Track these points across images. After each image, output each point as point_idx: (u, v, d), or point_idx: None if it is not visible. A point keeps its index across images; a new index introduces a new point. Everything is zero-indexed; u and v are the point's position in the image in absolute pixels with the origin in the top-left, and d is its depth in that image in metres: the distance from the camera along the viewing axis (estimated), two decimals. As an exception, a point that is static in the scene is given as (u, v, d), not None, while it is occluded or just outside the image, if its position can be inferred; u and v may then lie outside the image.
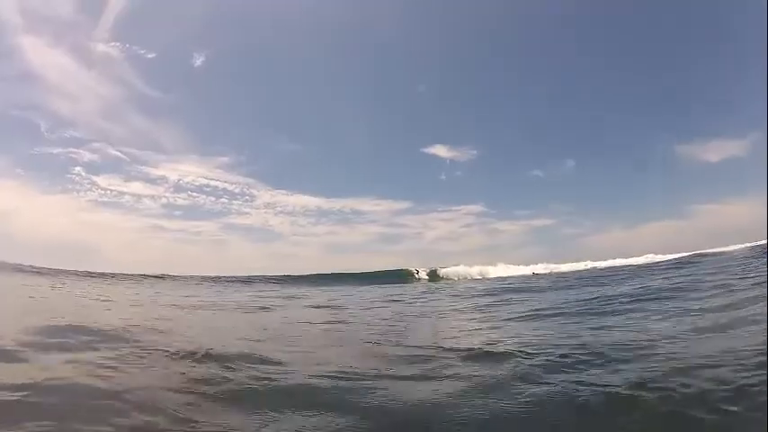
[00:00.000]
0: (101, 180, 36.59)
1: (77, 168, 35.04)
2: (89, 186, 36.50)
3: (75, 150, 35.68)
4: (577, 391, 2.71)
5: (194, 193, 39.73)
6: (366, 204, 43.12)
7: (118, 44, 36.30)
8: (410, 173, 55.43)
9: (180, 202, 39.63)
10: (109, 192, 36.25)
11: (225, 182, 41.28)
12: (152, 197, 38.40)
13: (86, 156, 36.14)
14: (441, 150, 49.60)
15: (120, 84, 40.35)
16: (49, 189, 36.60)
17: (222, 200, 41.10)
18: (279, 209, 43.57)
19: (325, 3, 49.21)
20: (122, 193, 37.81)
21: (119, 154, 37.59)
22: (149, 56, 38.37)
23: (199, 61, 42.89)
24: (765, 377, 2.49)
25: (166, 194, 38.23)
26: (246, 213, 41.35)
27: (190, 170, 40.53)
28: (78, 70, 37.47)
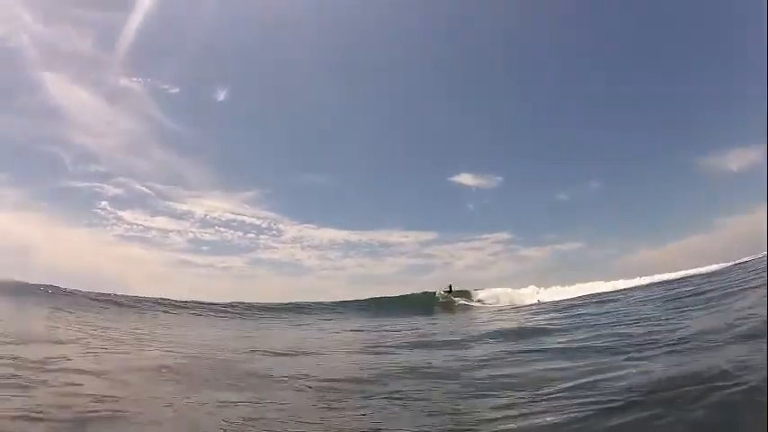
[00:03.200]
0: (126, 215, 37.44)
1: (103, 203, 35.88)
2: (115, 221, 37.26)
3: (100, 185, 36.52)
4: None
5: (221, 228, 40.41)
6: (394, 236, 43.13)
7: (140, 79, 37.27)
8: (437, 203, 55.44)
9: (207, 237, 40.31)
10: (135, 226, 37.00)
11: (252, 216, 41.88)
12: (178, 232, 39.15)
13: (111, 190, 37.11)
14: (467, 179, 49.49)
15: (144, 118, 41.74)
16: (75, 222, 37.41)
17: (249, 234, 41.56)
18: (306, 243, 43.74)
19: (346, 37, 51.20)
20: (148, 228, 38.65)
21: (144, 189, 38.60)
22: (172, 91, 39.73)
23: (222, 96, 44.46)
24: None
25: (193, 229, 38.97)
26: (274, 248, 41.71)
27: (216, 205, 41.34)
28: (101, 105, 38.20)
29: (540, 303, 17.87)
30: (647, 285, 16.85)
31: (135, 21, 33.75)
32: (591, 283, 23.19)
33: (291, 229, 41.68)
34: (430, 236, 43.36)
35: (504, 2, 48.54)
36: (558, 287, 23.61)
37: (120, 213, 35.88)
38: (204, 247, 39.93)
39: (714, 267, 19.58)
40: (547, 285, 24.31)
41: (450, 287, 24.26)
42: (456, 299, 22.98)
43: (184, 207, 39.42)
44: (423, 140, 57.46)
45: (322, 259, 41.40)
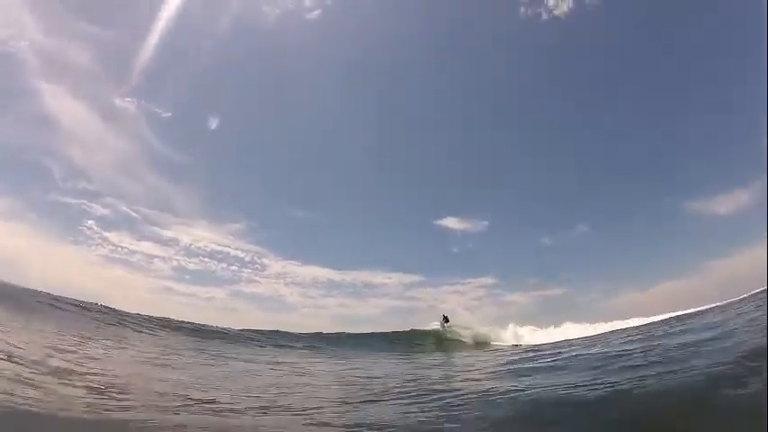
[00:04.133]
0: (112, 236, 37.01)
1: (90, 222, 35.56)
2: (100, 241, 36.76)
3: (88, 204, 36.32)
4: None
5: (205, 258, 39.98)
6: (378, 277, 42.73)
7: (134, 100, 37.83)
8: (422, 245, 55.39)
9: (191, 266, 39.84)
10: (120, 249, 36.53)
11: (236, 249, 41.51)
12: (163, 258, 38.62)
13: (99, 210, 36.82)
14: (452, 222, 49.81)
15: (136, 140, 41.68)
16: (61, 238, 36.61)
17: (233, 267, 41.10)
18: (289, 279, 43.27)
19: (338, 73, 52.65)
20: (133, 252, 38.06)
21: (131, 212, 38.33)
22: (165, 114, 40.19)
23: (214, 124, 45.01)
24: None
25: (177, 257, 38.53)
26: (257, 282, 41.29)
27: (202, 234, 41.00)
28: (95, 121, 38.16)
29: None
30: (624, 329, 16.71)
31: (135, 41, 34.45)
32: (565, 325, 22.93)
33: (275, 265, 41.31)
34: (414, 278, 42.98)
35: (491, 47, 51.09)
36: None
37: (106, 234, 35.57)
38: (187, 276, 39.44)
39: (691, 310, 20.04)
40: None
41: (446, 318, 23.20)
42: (451, 330, 21.95)
43: (170, 234, 39.15)
44: (411, 183, 58.10)
45: (305, 297, 40.89)
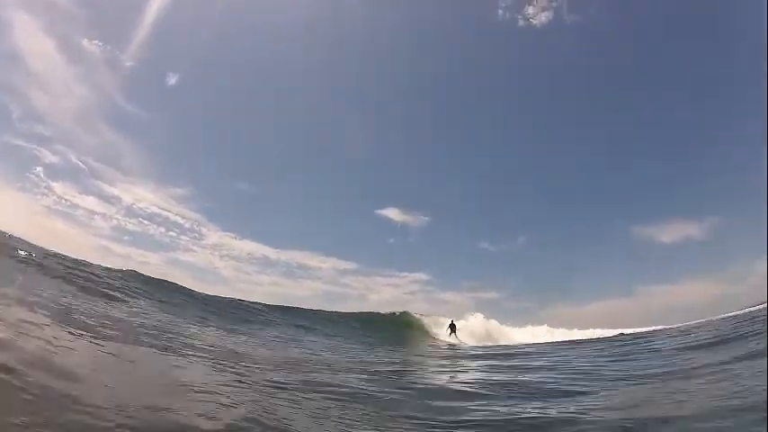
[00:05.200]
0: (57, 187, 34.22)
1: (38, 169, 32.81)
2: (46, 191, 34.00)
3: (39, 149, 33.48)
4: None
5: (145, 221, 37.75)
6: (313, 260, 42.27)
7: (102, 44, 35.51)
8: (361, 233, 54.99)
9: (130, 227, 37.50)
10: (63, 201, 33.83)
11: (177, 214, 39.49)
12: (103, 216, 36.11)
13: (48, 157, 33.85)
14: (394, 213, 49.79)
15: (96, 87, 38.68)
16: (9, 182, 34.61)
17: (171, 233, 39.18)
18: (225, 251, 41.81)
19: (305, 54, 51.23)
20: (76, 206, 35.33)
21: (79, 162, 35.41)
22: (128, 63, 37.48)
23: (173, 80, 42.22)
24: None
25: (118, 216, 36.16)
26: (193, 251, 39.63)
27: (145, 195, 38.77)
28: (61, 63, 35.73)
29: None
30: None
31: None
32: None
33: (213, 235, 39.88)
34: (349, 265, 43.19)
35: (448, 49, 51.59)
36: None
37: (53, 184, 33.15)
38: (126, 237, 37.14)
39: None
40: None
41: (453, 325, 21.20)
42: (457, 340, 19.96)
43: (114, 191, 36.57)
44: (357, 169, 57.56)
45: (239, 271, 39.87)
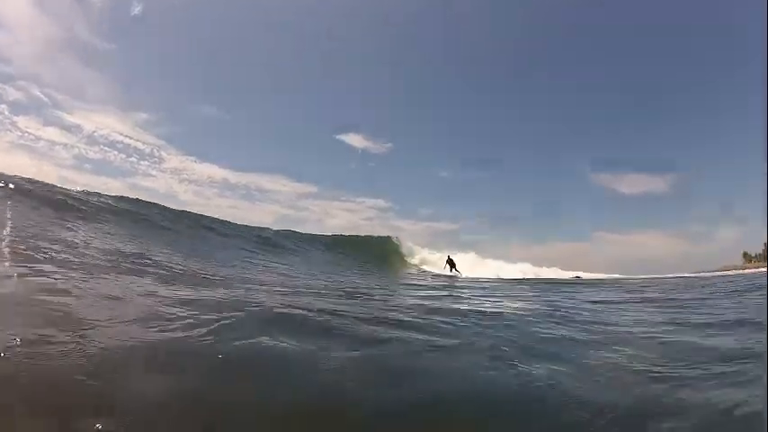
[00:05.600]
0: (20, 121, 32.27)
1: (2, 106, 30.38)
2: (10, 127, 31.91)
3: (3, 87, 30.82)
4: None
5: (106, 148, 36.08)
6: (272, 183, 41.46)
7: None
8: (321, 157, 53.96)
9: (91, 155, 35.84)
10: (26, 135, 31.85)
11: (137, 140, 37.75)
12: (65, 146, 34.24)
13: (12, 94, 31.34)
14: (355, 139, 48.87)
15: (61, 23, 35.26)
16: None
17: (132, 158, 37.72)
18: (185, 176, 40.64)
19: None
20: (38, 138, 33.40)
21: (42, 96, 32.91)
22: None
23: (137, 9, 38.67)
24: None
25: (79, 145, 34.37)
26: (153, 176, 38.37)
27: (105, 122, 36.68)
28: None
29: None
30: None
31: None
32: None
33: (174, 159, 38.73)
34: (307, 189, 42.72)
35: None
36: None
37: (15, 119, 31.25)
38: (87, 165, 35.84)
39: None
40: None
41: (452, 261, 20.22)
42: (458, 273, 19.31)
43: (75, 120, 34.63)
44: (319, 94, 55.08)
45: (198, 195, 39.22)
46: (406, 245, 22.86)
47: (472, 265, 22.04)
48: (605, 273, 26.61)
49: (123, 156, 36.17)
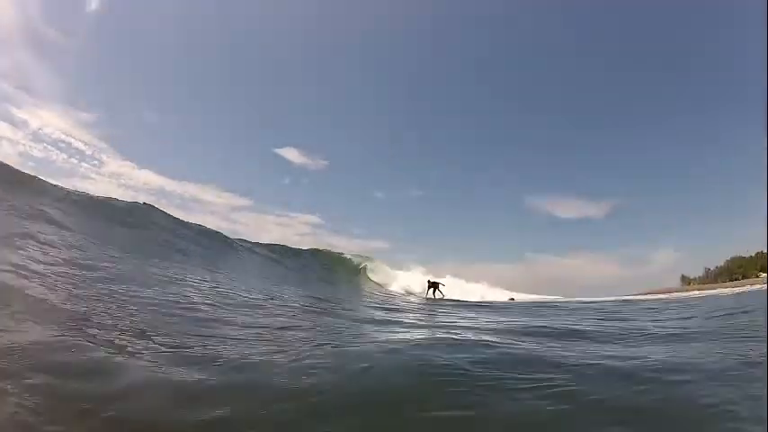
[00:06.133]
0: None
1: None
2: None
3: None
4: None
5: (49, 146, 34.77)
6: (208, 194, 40.97)
7: None
8: (258, 171, 53.72)
9: (35, 152, 34.28)
10: None
11: (80, 140, 36.32)
12: (11, 141, 32.56)
13: None
14: (292, 154, 49.05)
15: (17, 10, 33.63)
16: None
17: (73, 159, 36.43)
18: (123, 180, 39.43)
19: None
20: (-13, 132, 31.12)
21: None
22: None
23: (94, 4, 37.76)
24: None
25: (24, 141, 32.78)
26: (92, 179, 37.13)
27: (51, 120, 35.39)
28: None
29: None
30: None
31: None
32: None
33: (113, 163, 37.75)
34: (242, 202, 42.09)
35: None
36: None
37: None
38: (31, 163, 34.38)
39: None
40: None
41: (433, 283, 18.80)
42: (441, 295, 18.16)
43: (22, 115, 33.19)
44: (260, 106, 55.21)
45: (134, 201, 37.85)
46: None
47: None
48: (539, 294, 27.69)
49: (65, 156, 34.91)
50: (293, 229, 38.41)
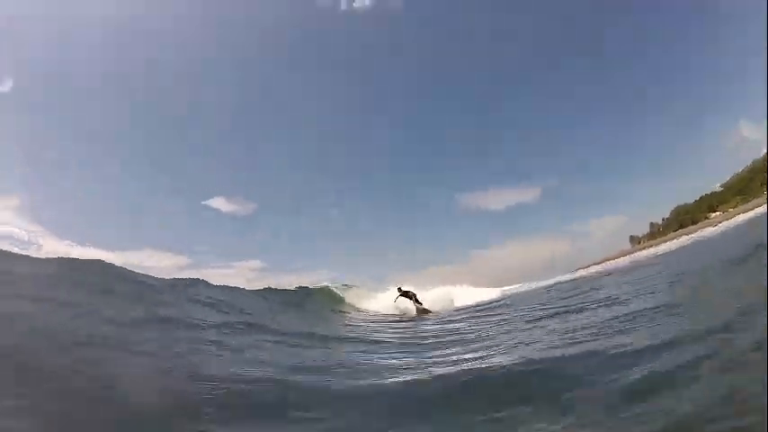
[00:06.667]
0: None
1: None
2: None
3: None
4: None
5: None
6: (150, 259, 38.50)
7: None
8: (190, 225, 52.12)
9: None
10: None
11: (15, 227, 32.23)
12: None
13: None
14: (220, 203, 48.17)
15: None
16: None
17: (14, 249, 32.20)
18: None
19: (110, 53, 47.10)
20: None
21: None
22: None
23: (7, 87, 35.15)
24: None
25: None
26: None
27: None
28: None
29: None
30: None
31: None
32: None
33: (52, 244, 34.85)
34: (182, 260, 40.35)
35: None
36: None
37: None
38: None
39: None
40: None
41: (405, 293, 15.70)
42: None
43: None
44: (181, 158, 54.87)
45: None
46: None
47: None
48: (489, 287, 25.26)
49: (6, 243, 31.45)
50: (238, 279, 36.63)
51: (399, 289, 16.02)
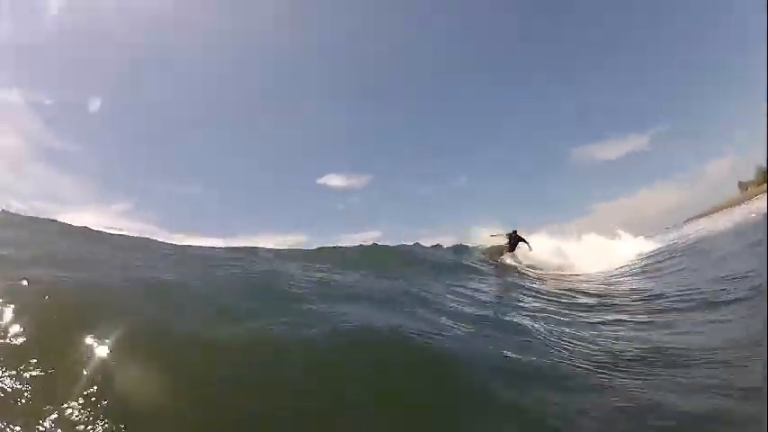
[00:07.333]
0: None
1: None
2: None
3: None
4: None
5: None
6: (269, 242, 41.10)
7: (18, 89, 32.50)
8: (307, 205, 53.50)
9: None
10: None
11: (126, 229, 36.87)
12: None
13: None
14: (334, 180, 48.48)
15: (22, 134, 36.31)
16: None
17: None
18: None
19: (209, 48, 48.79)
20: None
21: (24, 207, 32.94)
22: (47, 102, 34.66)
23: (96, 106, 39.86)
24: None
25: None
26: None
27: (89, 219, 36.93)
28: None
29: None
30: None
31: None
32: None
33: (172, 237, 37.78)
34: (301, 238, 41.39)
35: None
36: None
37: None
38: None
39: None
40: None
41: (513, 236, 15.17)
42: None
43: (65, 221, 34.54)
44: (290, 142, 56.26)
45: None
46: None
47: None
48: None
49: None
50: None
51: (514, 232, 15.28)
